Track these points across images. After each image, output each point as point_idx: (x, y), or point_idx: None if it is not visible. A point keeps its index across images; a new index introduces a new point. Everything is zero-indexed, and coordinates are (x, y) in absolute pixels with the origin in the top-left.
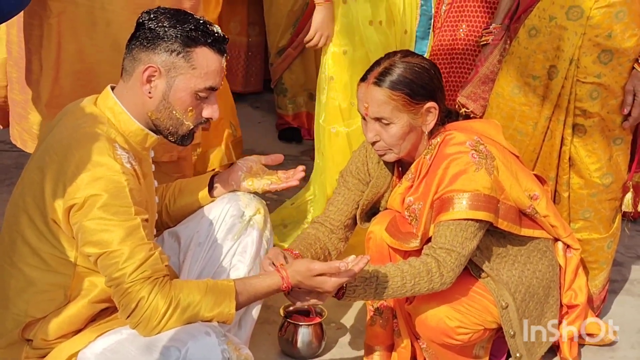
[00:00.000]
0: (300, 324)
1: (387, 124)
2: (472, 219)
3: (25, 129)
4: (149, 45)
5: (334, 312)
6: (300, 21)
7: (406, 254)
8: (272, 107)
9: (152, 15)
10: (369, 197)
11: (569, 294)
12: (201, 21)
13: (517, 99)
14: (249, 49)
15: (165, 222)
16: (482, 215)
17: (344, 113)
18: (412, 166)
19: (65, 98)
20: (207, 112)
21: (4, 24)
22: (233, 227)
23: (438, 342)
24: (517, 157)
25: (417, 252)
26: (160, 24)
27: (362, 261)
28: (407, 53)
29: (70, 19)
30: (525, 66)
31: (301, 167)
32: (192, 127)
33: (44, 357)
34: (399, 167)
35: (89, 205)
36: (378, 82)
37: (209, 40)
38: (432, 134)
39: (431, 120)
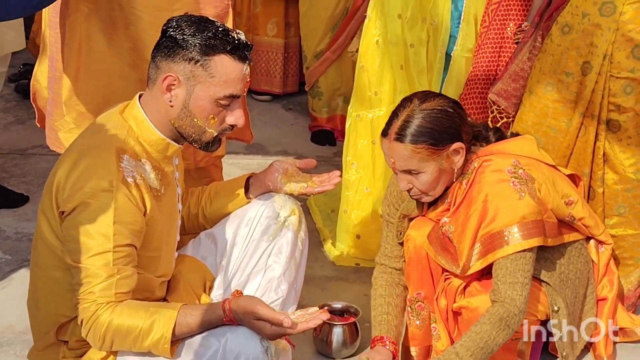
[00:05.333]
0: (335, 323)
1: (417, 174)
2: (526, 254)
3: (49, 126)
4: (169, 53)
5: (368, 312)
6: (340, 24)
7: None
8: (304, 109)
9: (174, 23)
10: (401, 218)
11: (599, 287)
12: (220, 28)
13: (549, 96)
14: (287, 50)
15: (202, 224)
16: (535, 241)
17: (369, 101)
18: (448, 191)
19: (83, 97)
20: (231, 119)
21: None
22: (268, 228)
23: None
24: (553, 166)
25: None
26: (180, 32)
27: (314, 320)
28: (424, 97)
29: (91, 19)
30: (558, 63)
31: (337, 172)
32: (215, 134)
33: (81, 356)
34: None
35: (75, 214)
36: (399, 137)
37: (228, 48)
38: (465, 162)
39: (460, 158)
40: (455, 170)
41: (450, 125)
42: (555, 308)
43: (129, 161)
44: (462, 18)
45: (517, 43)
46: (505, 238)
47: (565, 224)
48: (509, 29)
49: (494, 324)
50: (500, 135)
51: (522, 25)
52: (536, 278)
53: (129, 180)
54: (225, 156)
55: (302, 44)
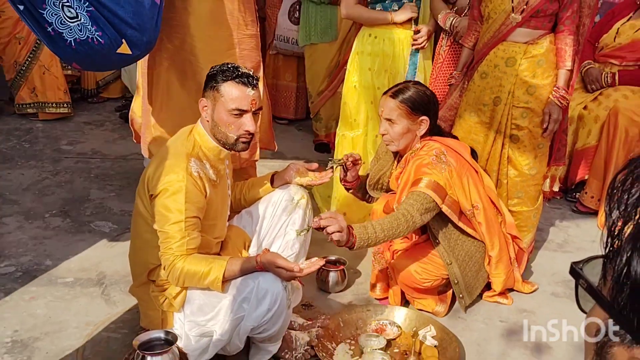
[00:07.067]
0: (331, 269)
1: (393, 123)
2: (427, 194)
3: (143, 141)
4: (204, 86)
5: (352, 262)
6: (334, 73)
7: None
8: (310, 130)
9: (213, 68)
10: (374, 172)
11: (494, 280)
12: (230, 66)
13: (472, 119)
14: (298, 90)
15: (243, 205)
16: (431, 193)
17: (350, 125)
18: (402, 159)
19: (166, 123)
20: (245, 127)
21: (140, 75)
22: (286, 208)
23: (411, 286)
24: (477, 172)
25: None
26: (211, 72)
27: (314, 266)
28: (417, 82)
29: (170, 70)
30: (478, 98)
31: (330, 171)
32: (235, 137)
33: (164, 291)
34: (399, 157)
35: (159, 197)
36: (393, 95)
37: (233, 76)
38: (421, 139)
39: (423, 129)
40: (417, 136)
41: (427, 103)
42: (448, 261)
43: (195, 162)
44: (417, 69)
45: (450, 85)
46: (419, 184)
47: (467, 219)
48: (450, 76)
49: (395, 220)
50: (453, 137)
51: (453, 73)
52: (437, 248)
53: (195, 174)
54: (259, 161)
55: (308, 87)
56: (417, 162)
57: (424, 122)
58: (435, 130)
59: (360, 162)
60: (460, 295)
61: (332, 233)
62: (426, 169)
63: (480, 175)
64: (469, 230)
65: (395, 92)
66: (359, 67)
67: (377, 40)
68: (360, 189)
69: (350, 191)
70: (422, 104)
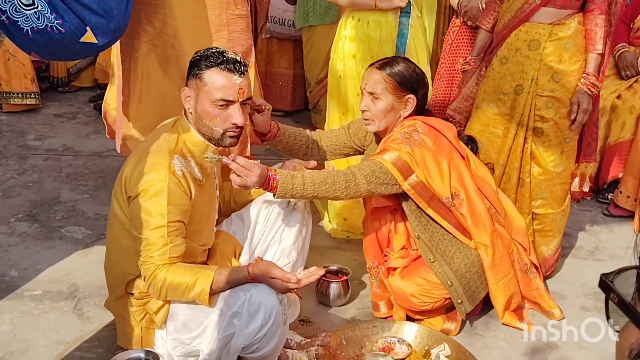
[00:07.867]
0: (332, 280)
1: (376, 98)
2: (384, 165)
3: (119, 136)
4: (187, 74)
5: (357, 272)
6: None
7: (384, 210)
8: (308, 122)
9: (197, 53)
10: (355, 142)
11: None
12: (215, 51)
13: (491, 110)
14: (294, 79)
15: (233, 207)
16: (389, 165)
17: (339, 119)
18: (381, 142)
19: (146, 115)
20: (232, 119)
21: (115, 63)
22: (282, 211)
23: (408, 308)
24: (464, 158)
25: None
26: (197, 58)
27: (313, 276)
28: (406, 58)
29: (151, 56)
30: (497, 86)
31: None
32: (221, 131)
33: (145, 304)
34: (379, 140)
35: (139, 199)
36: (380, 67)
37: (218, 62)
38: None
39: (409, 108)
40: (401, 117)
41: (416, 82)
42: (449, 283)
43: (179, 159)
44: (405, 54)
45: (464, 71)
46: (382, 153)
47: (445, 208)
48: (458, 64)
49: (332, 176)
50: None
51: (467, 58)
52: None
53: (179, 173)
54: (250, 157)
55: (306, 74)
56: (389, 139)
57: (410, 102)
58: (420, 111)
59: (263, 106)
60: (459, 301)
61: (233, 181)
62: (392, 144)
63: (469, 161)
64: (443, 223)
65: (382, 64)
66: (343, 54)
67: (360, 24)
68: (282, 140)
69: (266, 143)
70: (410, 80)
